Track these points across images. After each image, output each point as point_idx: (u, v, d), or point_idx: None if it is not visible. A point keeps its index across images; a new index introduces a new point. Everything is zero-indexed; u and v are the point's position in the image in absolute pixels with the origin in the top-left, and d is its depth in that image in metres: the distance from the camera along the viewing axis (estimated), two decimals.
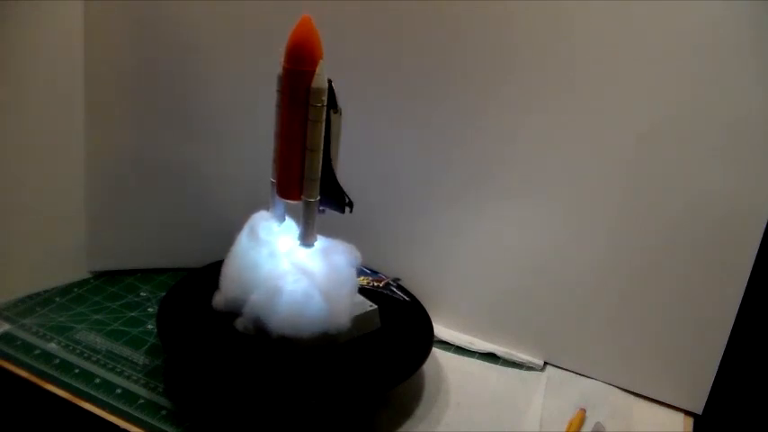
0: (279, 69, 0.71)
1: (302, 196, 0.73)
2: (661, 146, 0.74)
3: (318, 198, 0.73)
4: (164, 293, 0.83)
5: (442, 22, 0.80)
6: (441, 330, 0.88)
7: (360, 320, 0.76)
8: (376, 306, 0.78)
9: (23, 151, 0.82)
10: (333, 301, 0.71)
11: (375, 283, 0.85)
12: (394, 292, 0.85)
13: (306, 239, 0.75)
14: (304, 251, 0.74)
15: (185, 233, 0.93)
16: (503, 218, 0.84)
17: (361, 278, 0.83)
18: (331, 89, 0.69)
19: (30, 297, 0.87)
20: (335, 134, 0.71)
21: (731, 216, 0.73)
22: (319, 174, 0.72)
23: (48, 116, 0.82)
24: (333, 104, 0.70)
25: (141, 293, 0.91)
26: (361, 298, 0.79)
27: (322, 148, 0.71)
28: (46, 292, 0.89)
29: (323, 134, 0.71)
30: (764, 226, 0.72)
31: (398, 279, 0.86)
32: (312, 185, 0.72)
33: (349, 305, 0.73)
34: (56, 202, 0.86)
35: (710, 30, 0.69)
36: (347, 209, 0.74)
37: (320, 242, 0.76)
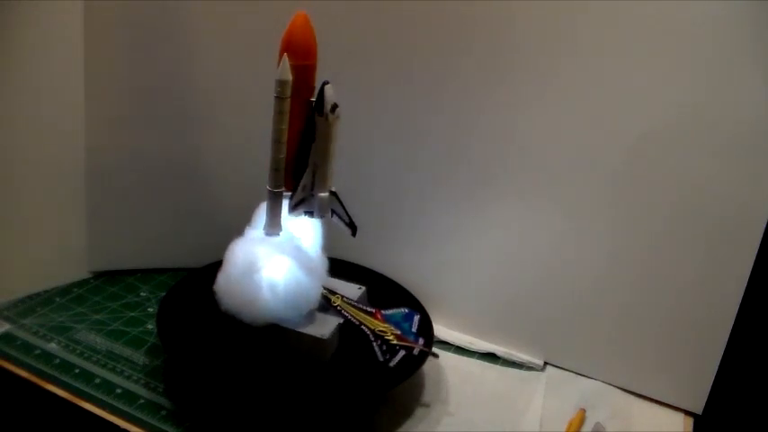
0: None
1: (267, 186, 0.73)
2: (661, 146, 0.74)
3: (281, 190, 0.73)
4: (164, 293, 0.83)
5: (444, 24, 0.80)
6: (441, 330, 0.88)
7: (303, 339, 0.73)
8: (325, 339, 0.72)
9: (23, 151, 0.82)
10: (231, 286, 0.72)
11: (391, 337, 0.75)
12: (391, 351, 0.74)
13: (266, 228, 0.75)
14: (256, 238, 0.75)
15: (185, 233, 0.93)
16: (503, 219, 0.84)
17: (388, 327, 0.75)
18: (321, 93, 0.69)
19: (30, 297, 0.87)
20: (320, 139, 0.71)
21: (731, 216, 0.73)
22: (281, 165, 0.72)
23: (48, 116, 0.82)
24: (318, 108, 0.70)
25: (141, 293, 0.91)
26: (327, 321, 0.74)
27: (285, 140, 0.71)
28: (46, 292, 0.89)
29: (285, 126, 0.70)
30: (764, 226, 0.72)
31: (435, 355, 0.79)
32: (274, 176, 0.72)
33: (253, 304, 0.71)
34: (56, 202, 0.86)
35: (711, 30, 0.69)
36: (350, 232, 0.75)
37: (283, 236, 0.75)
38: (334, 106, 0.69)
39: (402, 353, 0.74)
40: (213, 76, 0.87)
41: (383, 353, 0.73)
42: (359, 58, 0.83)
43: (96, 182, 0.88)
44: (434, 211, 0.87)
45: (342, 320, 0.75)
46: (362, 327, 0.74)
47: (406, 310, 0.79)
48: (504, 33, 0.77)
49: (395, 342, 0.74)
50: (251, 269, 0.71)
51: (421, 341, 0.76)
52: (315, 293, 0.74)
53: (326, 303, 0.76)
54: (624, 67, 0.73)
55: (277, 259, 0.72)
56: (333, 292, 0.77)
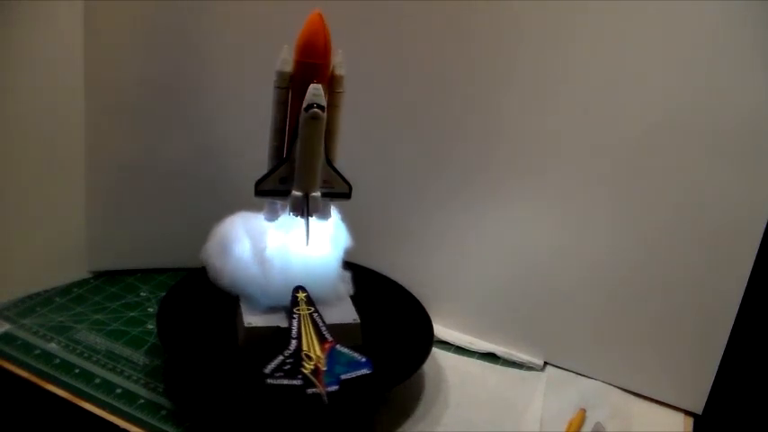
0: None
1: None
2: (661, 146, 0.74)
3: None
4: (164, 293, 0.83)
5: (442, 21, 0.80)
6: (441, 330, 0.88)
7: (238, 317, 0.77)
8: (246, 326, 0.74)
9: (23, 151, 0.82)
10: (210, 245, 0.78)
11: (308, 366, 0.68)
12: (289, 374, 0.68)
13: (264, 213, 0.77)
14: (250, 215, 0.79)
15: (185, 233, 0.93)
16: (503, 218, 0.84)
17: (321, 359, 0.69)
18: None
19: (30, 297, 0.87)
20: (299, 136, 0.71)
21: (731, 216, 0.73)
22: (277, 154, 0.74)
23: (48, 116, 0.82)
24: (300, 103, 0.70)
25: (141, 293, 0.91)
26: (272, 317, 0.75)
27: (277, 128, 0.73)
28: (46, 292, 0.89)
29: (281, 116, 0.72)
30: (764, 226, 0.72)
31: (325, 402, 0.67)
32: (269, 162, 0.75)
33: (215, 265, 0.77)
34: (56, 202, 0.86)
35: (711, 30, 0.69)
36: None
37: (274, 223, 0.77)
38: (309, 106, 0.69)
39: (296, 382, 0.67)
40: (214, 75, 0.87)
41: (276, 369, 0.68)
42: (354, 55, 0.83)
43: (96, 182, 0.88)
44: (435, 212, 0.87)
45: (285, 326, 0.73)
46: (294, 340, 0.71)
47: (363, 360, 0.70)
48: (505, 32, 0.77)
49: (305, 371, 0.68)
50: (226, 237, 0.77)
51: (330, 389, 0.67)
52: (260, 284, 0.76)
53: (291, 306, 0.74)
54: (624, 68, 0.74)
55: (242, 239, 0.76)
56: (310, 302, 0.75)
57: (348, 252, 0.81)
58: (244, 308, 0.77)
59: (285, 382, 0.67)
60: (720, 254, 0.74)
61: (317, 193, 0.73)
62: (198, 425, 0.71)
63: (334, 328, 0.74)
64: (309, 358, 0.69)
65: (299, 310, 0.74)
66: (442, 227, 0.88)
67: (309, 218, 0.74)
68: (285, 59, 0.71)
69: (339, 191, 0.75)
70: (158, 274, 0.95)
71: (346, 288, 0.81)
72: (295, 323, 0.73)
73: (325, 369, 0.69)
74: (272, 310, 0.76)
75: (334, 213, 0.78)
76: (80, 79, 0.83)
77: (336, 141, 0.75)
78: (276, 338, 0.72)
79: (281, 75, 0.71)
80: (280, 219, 0.77)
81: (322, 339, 0.72)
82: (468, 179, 0.84)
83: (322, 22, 0.69)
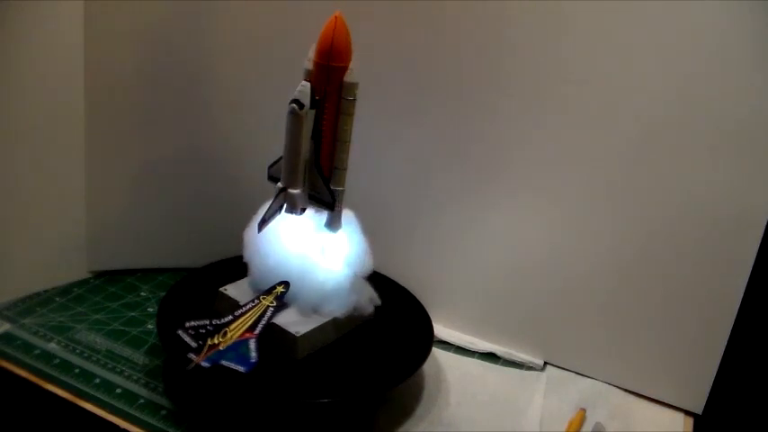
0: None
1: None
2: (661, 146, 0.74)
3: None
4: (164, 293, 0.83)
5: (452, 23, 0.80)
6: (441, 330, 0.88)
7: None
8: (219, 291, 0.78)
9: (23, 151, 0.82)
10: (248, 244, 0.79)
11: (215, 341, 0.71)
12: (197, 338, 0.72)
13: None
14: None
15: (185, 233, 0.93)
16: (503, 218, 0.84)
17: (228, 341, 0.71)
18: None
19: (30, 297, 0.87)
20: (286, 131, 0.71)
21: (731, 216, 0.73)
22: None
23: (48, 116, 0.82)
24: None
25: (141, 293, 0.91)
26: (239, 295, 0.77)
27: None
28: (46, 292, 0.89)
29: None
30: (764, 226, 0.72)
31: (189, 363, 0.69)
32: None
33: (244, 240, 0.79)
34: (56, 202, 0.86)
35: (710, 29, 0.69)
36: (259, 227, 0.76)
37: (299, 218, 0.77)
38: (291, 101, 0.69)
39: (192, 344, 0.70)
40: (213, 75, 0.87)
41: (193, 327, 0.72)
42: (360, 55, 0.83)
43: (96, 182, 0.88)
44: (435, 212, 0.87)
45: (241, 303, 0.75)
46: (231, 317, 0.73)
47: (251, 360, 0.69)
48: (502, 31, 0.78)
49: (209, 343, 0.70)
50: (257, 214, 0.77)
51: (202, 363, 0.69)
52: (247, 260, 0.78)
53: (262, 293, 0.75)
54: (625, 68, 0.74)
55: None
56: (280, 298, 0.74)
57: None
58: (239, 280, 0.80)
59: (186, 339, 0.71)
60: (720, 254, 0.74)
61: (297, 191, 0.72)
62: (198, 425, 0.71)
63: (273, 329, 0.73)
64: (225, 335, 0.71)
65: (263, 298, 0.75)
66: (441, 227, 0.88)
67: (279, 212, 0.74)
68: (310, 58, 0.71)
69: (324, 199, 0.74)
70: (158, 274, 0.95)
71: (332, 310, 0.76)
72: (249, 305, 0.74)
73: (221, 349, 0.70)
74: (259, 291, 0.76)
75: (354, 232, 0.78)
76: (80, 80, 0.83)
77: (345, 151, 0.74)
78: (232, 310, 0.74)
79: (305, 72, 0.71)
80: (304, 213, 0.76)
81: (251, 329, 0.72)
82: (468, 179, 0.84)
83: (334, 26, 0.69)
